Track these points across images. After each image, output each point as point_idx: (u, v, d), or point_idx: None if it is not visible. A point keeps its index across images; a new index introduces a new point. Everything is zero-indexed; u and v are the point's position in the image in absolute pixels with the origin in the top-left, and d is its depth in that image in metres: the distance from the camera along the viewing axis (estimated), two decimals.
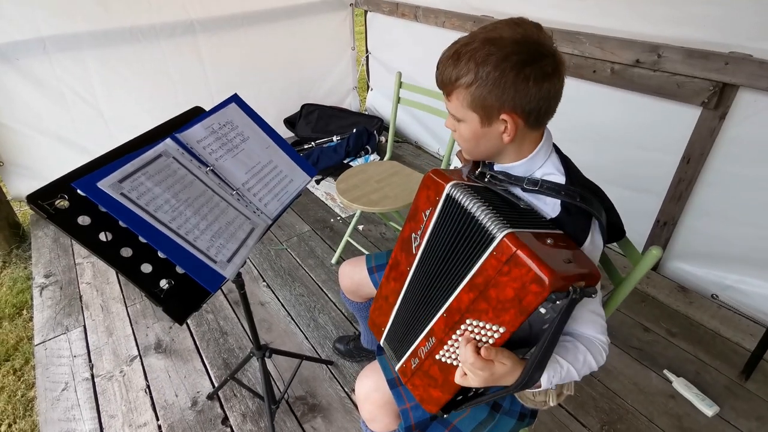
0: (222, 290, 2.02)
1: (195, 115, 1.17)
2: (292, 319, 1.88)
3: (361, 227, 2.42)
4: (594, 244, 0.79)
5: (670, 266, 2.04)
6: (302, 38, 3.20)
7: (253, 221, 1.08)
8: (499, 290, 0.67)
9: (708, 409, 1.44)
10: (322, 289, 2.02)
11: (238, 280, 1.15)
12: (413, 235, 0.86)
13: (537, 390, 0.86)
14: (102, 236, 0.86)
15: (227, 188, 1.08)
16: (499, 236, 0.67)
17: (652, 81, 1.79)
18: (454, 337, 0.77)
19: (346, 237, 2.14)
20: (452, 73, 0.77)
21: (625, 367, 1.62)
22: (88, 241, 0.85)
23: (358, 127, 2.95)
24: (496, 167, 0.88)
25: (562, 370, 0.76)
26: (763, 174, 1.64)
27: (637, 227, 2.03)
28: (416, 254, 0.85)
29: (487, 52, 0.72)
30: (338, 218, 2.52)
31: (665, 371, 1.59)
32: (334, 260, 2.17)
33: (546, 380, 0.74)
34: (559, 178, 0.80)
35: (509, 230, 0.66)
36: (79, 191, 0.83)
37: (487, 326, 0.71)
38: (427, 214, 0.82)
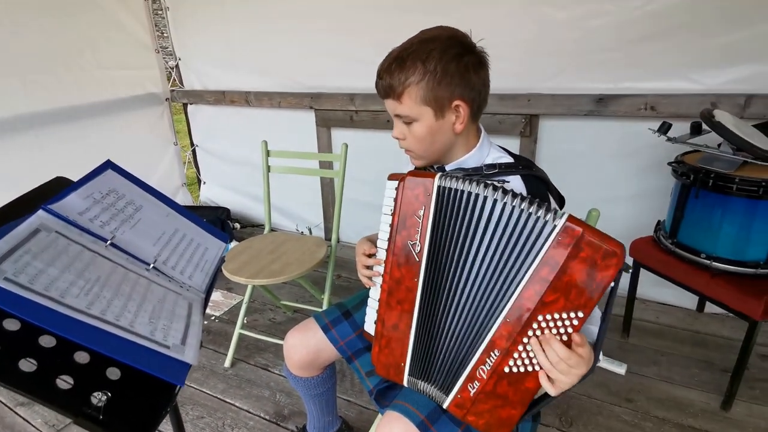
0: None
1: (61, 186, 0.88)
2: None
3: (245, 320, 2.09)
4: None
5: None
6: (114, 138, 2.80)
7: (186, 296, 0.83)
8: (571, 274, 0.65)
9: (620, 368, 1.66)
10: (224, 401, 1.63)
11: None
12: (409, 242, 0.80)
13: None
14: None
15: (141, 263, 0.82)
16: (560, 221, 0.66)
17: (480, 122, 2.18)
18: (525, 340, 0.69)
19: (237, 331, 1.82)
20: (400, 75, 0.81)
21: None
22: None
23: (209, 219, 2.67)
24: (448, 167, 0.92)
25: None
26: (572, 179, 2.12)
27: None
28: (420, 261, 0.79)
29: (429, 49, 0.79)
30: (213, 318, 2.14)
31: None
32: (227, 363, 1.80)
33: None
34: (509, 159, 0.89)
35: (565, 213, 0.66)
36: None
37: (563, 315, 0.66)
38: (421, 214, 0.78)
